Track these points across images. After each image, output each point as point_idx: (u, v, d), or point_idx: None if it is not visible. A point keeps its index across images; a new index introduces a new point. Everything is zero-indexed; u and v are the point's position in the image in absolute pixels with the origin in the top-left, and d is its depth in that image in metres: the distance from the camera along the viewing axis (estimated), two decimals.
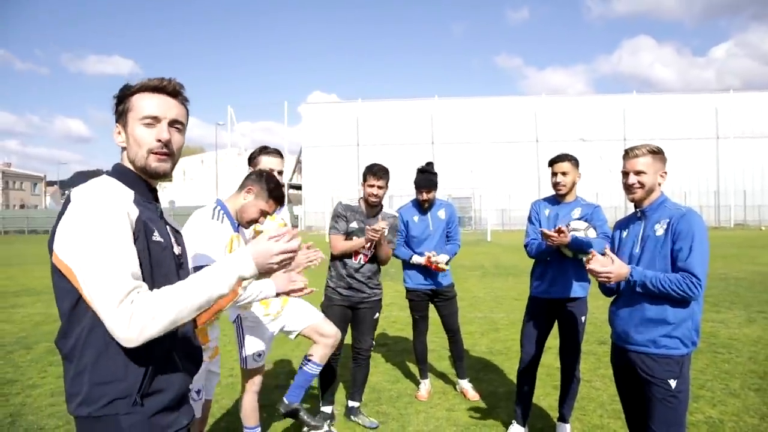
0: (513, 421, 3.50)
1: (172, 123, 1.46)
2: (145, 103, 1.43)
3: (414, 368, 4.93)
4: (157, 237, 1.42)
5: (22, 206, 58.40)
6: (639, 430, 2.51)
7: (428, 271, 4.18)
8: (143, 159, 1.43)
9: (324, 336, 3.23)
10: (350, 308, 3.68)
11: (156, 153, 1.43)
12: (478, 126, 35.21)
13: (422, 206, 4.24)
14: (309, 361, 3.30)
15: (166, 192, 54.93)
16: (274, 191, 2.66)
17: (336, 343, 3.31)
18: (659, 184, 2.40)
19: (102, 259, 1.25)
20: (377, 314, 3.76)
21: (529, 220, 3.61)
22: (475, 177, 32.17)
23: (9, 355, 5.46)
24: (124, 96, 1.46)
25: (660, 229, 2.32)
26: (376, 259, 3.70)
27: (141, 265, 1.34)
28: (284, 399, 3.40)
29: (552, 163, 3.41)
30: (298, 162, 41.17)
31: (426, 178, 4.17)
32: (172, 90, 1.47)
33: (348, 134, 35.89)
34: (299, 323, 3.18)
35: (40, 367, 5.02)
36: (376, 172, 3.59)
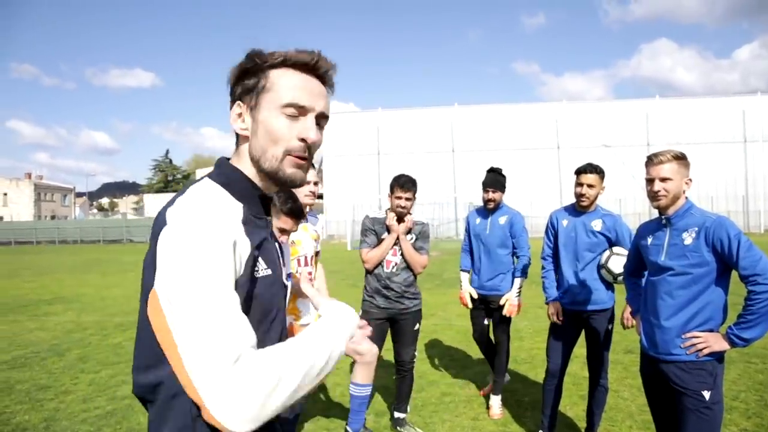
0: (540, 431, 3.47)
1: (319, 118, 1.09)
2: (292, 86, 1.05)
3: (437, 376, 4.92)
4: (263, 270, 1.06)
5: (53, 217, 59.97)
6: None
7: (486, 275, 4.13)
8: (275, 160, 1.06)
9: (358, 353, 3.22)
10: (389, 320, 3.64)
11: (295, 156, 1.07)
12: (498, 133, 35.01)
13: (486, 207, 4.17)
14: (355, 384, 3.33)
15: None
16: (284, 206, 2.49)
17: (373, 360, 3.29)
18: (684, 191, 2.35)
19: (216, 311, 0.89)
20: (418, 325, 3.71)
21: (546, 232, 3.60)
22: None
23: (43, 362, 5.61)
24: (257, 67, 1.06)
25: (689, 238, 2.27)
26: (411, 269, 3.67)
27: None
28: (348, 428, 3.44)
29: (578, 173, 3.35)
30: (319, 171, 41.56)
31: (492, 177, 4.12)
32: (324, 72, 1.09)
33: (369, 143, 36.03)
34: None
35: (72, 374, 5.15)
36: (404, 184, 3.54)
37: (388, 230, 3.61)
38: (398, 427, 3.71)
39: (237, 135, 1.11)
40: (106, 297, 10.50)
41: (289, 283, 1.22)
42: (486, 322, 4.32)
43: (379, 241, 3.61)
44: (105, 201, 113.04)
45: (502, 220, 4.13)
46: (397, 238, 3.60)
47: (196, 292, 0.90)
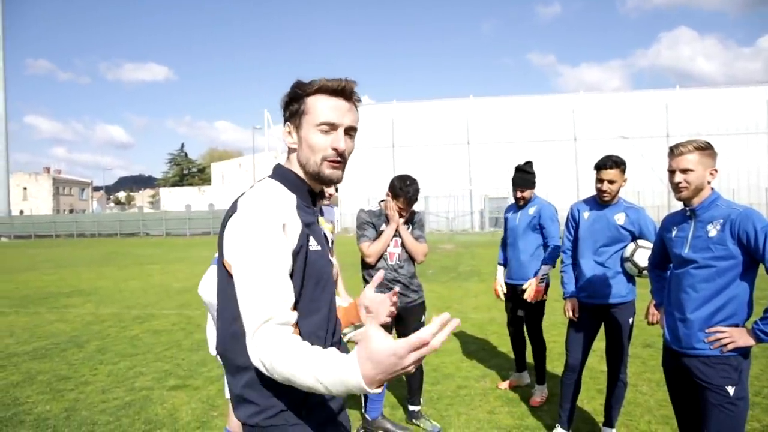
0: (557, 424, 3.43)
1: (348, 130, 1.40)
2: (323, 108, 1.36)
3: (453, 369, 4.90)
4: (314, 245, 1.38)
5: (71, 211, 61.03)
6: None
7: (516, 265, 4.27)
8: (316, 165, 1.38)
9: None
10: (395, 316, 3.60)
11: (330, 161, 1.38)
12: (514, 125, 34.68)
13: (518, 204, 4.32)
14: None
15: (205, 195, 56.36)
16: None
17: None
18: (709, 182, 2.28)
19: (263, 276, 1.24)
20: (423, 317, 3.68)
21: (567, 225, 3.54)
22: (511, 177, 31.63)
23: (63, 353, 5.71)
24: (298, 95, 1.39)
25: (713, 230, 2.21)
26: (412, 259, 3.63)
27: (299, 279, 1.32)
28: (366, 416, 3.44)
29: (598, 168, 3.26)
30: None
31: (520, 176, 4.22)
32: (350, 93, 1.39)
33: (383, 136, 35.97)
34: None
35: (91, 365, 5.23)
36: (410, 198, 3.44)
37: (387, 221, 3.55)
38: (413, 420, 3.70)
39: (288, 147, 1.45)
40: (123, 290, 10.66)
41: (334, 261, 1.53)
42: (519, 313, 4.39)
43: (378, 233, 3.55)
44: (122, 195, 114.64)
45: (531, 210, 4.23)
46: (397, 229, 3.54)
47: (251, 264, 1.25)
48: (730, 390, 2.17)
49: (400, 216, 3.53)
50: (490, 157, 33.19)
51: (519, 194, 4.22)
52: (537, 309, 4.22)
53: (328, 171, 1.38)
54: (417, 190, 3.48)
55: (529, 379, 4.47)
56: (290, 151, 1.44)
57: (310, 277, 1.35)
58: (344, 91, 1.37)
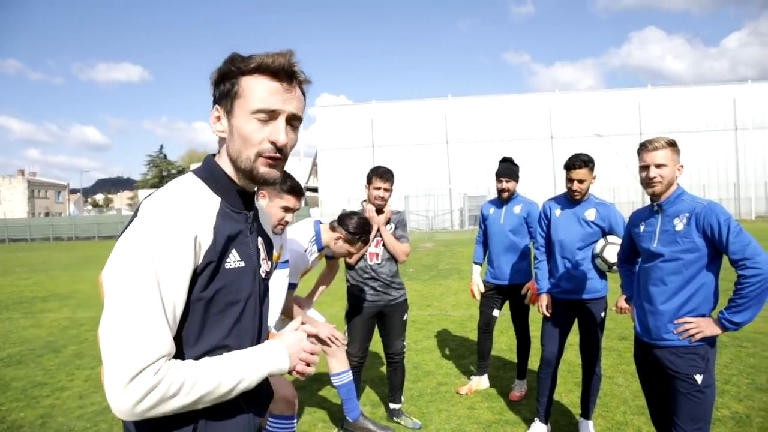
0: (535, 418, 3.50)
1: (290, 119, 1.16)
2: (261, 92, 1.11)
3: (433, 366, 4.94)
4: (233, 262, 1.15)
5: (47, 214, 59.54)
6: (664, 426, 2.50)
7: (503, 264, 4.17)
8: (249, 161, 1.14)
9: (326, 346, 3.22)
10: (377, 314, 3.64)
11: (267, 157, 1.14)
12: (492, 124, 34.93)
13: (501, 197, 4.20)
14: (334, 375, 3.37)
15: None
16: (284, 185, 2.57)
17: (340, 347, 3.31)
18: (676, 178, 2.37)
19: (129, 319, 1.00)
20: (405, 315, 3.72)
21: (539, 222, 3.61)
22: (490, 175, 31.96)
23: (39, 359, 5.60)
24: (231, 73, 1.13)
25: (680, 224, 2.29)
26: (394, 258, 3.67)
27: (201, 302, 1.10)
28: (347, 418, 3.46)
29: (568, 168, 3.34)
30: (314, 165, 41.46)
31: (506, 166, 4.15)
32: (294, 74, 1.14)
33: (362, 136, 35.92)
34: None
35: (68, 370, 5.14)
36: (382, 174, 3.54)
37: None
38: (394, 418, 3.73)
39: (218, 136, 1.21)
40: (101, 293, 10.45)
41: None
42: (495, 314, 4.33)
43: None
44: (99, 197, 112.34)
45: (517, 209, 4.16)
46: (378, 230, 3.58)
47: (125, 294, 1.01)
48: (698, 378, 2.25)
49: (380, 213, 3.58)
50: (469, 156, 33.39)
51: (504, 184, 4.11)
52: (524, 305, 4.23)
53: (263, 170, 1.15)
54: (389, 170, 3.59)
55: (488, 383, 4.38)
56: (221, 141, 1.21)
57: (219, 300, 1.13)
58: (287, 72, 1.13)
